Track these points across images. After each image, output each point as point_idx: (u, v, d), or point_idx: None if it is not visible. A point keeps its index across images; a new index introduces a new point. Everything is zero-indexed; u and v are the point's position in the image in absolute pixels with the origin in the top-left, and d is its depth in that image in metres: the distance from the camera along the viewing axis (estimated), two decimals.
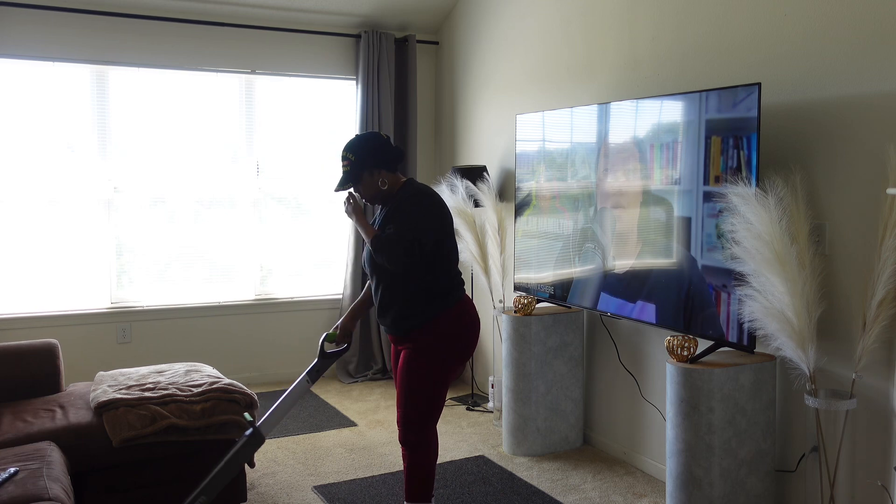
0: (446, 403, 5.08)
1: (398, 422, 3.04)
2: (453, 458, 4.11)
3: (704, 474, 3.02)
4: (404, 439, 3.01)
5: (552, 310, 4.24)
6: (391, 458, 4.12)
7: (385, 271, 2.93)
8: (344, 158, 2.97)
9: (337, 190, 3.02)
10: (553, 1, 4.56)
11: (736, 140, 3.00)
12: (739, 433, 3.04)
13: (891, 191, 2.50)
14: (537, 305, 4.30)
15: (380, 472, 3.91)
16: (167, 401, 3.30)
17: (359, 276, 5.69)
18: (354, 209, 3.04)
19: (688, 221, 3.26)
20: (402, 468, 3.95)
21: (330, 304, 5.85)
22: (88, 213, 5.18)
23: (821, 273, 2.84)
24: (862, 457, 2.87)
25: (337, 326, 3.17)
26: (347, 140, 3.04)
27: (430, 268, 2.93)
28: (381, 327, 3.20)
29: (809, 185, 2.98)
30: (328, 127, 5.82)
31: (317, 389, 5.43)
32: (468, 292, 5.49)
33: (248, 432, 2.95)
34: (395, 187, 3.00)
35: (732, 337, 3.06)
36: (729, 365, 3.04)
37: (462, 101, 5.67)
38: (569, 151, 4.06)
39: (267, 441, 4.25)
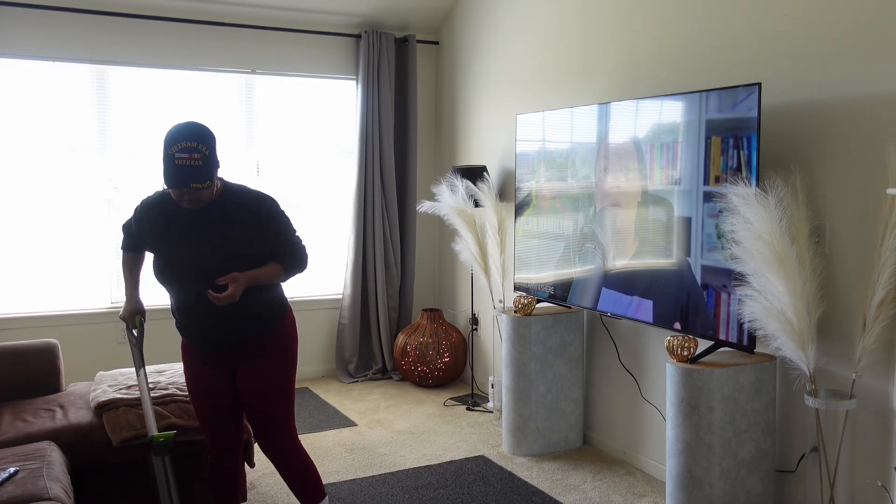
0: (446, 404, 5.12)
1: (268, 435, 2.81)
2: (453, 458, 4.10)
3: (704, 474, 3.02)
4: (281, 450, 2.83)
5: (552, 310, 4.24)
6: (391, 458, 4.12)
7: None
8: (194, 150, 2.48)
9: (191, 187, 2.50)
10: (553, 1, 4.56)
11: (736, 140, 3.00)
12: (739, 433, 3.04)
13: (891, 191, 2.50)
14: (537, 305, 4.30)
15: (380, 472, 3.91)
16: (167, 401, 3.30)
17: (359, 276, 5.68)
18: (239, 283, 2.56)
19: (688, 221, 3.26)
20: (401, 468, 3.95)
21: (330, 304, 5.84)
22: (88, 213, 5.18)
23: (821, 273, 2.84)
24: (862, 457, 2.87)
25: (129, 311, 2.95)
26: (181, 127, 2.55)
27: None
28: (216, 344, 2.76)
29: (809, 185, 2.98)
30: (328, 127, 5.81)
31: (317, 389, 5.44)
32: (468, 293, 5.50)
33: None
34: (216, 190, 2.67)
35: (732, 337, 3.06)
36: (729, 365, 3.04)
37: (462, 101, 5.66)
38: (569, 151, 4.06)
39: None
